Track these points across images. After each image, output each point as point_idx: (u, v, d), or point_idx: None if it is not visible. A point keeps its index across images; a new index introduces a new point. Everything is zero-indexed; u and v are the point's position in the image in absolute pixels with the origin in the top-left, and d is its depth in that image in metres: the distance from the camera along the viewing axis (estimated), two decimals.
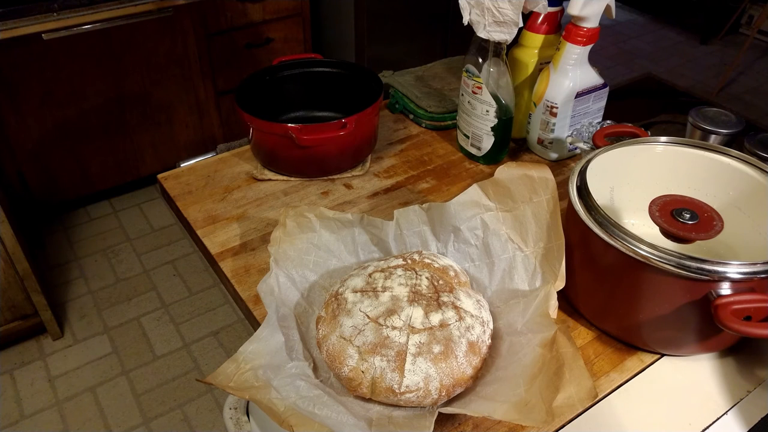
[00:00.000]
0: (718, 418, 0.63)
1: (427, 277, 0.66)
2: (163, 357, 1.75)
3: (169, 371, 1.71)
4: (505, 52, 0.88)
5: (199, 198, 0.91)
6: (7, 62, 1.73)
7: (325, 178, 0.96)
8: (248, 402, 0.82)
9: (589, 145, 0.90)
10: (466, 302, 0.65)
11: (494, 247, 0.74)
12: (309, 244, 0.74)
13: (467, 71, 0.91)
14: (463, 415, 0.62)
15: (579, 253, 0.68)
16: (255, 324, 0.72)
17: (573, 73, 0.90)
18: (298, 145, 0.88)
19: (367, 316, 0.62)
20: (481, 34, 0.85)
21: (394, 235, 0.77)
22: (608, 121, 0.95)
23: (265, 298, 0.67)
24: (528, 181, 0.74)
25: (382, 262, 0.70)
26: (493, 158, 0.98)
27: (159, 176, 0.96)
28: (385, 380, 0.59)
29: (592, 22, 0.86)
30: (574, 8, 0.84)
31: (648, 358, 0.69)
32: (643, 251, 0.60)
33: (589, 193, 0.66)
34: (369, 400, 0.62)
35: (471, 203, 0.76)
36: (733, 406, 0.64)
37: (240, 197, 0.92)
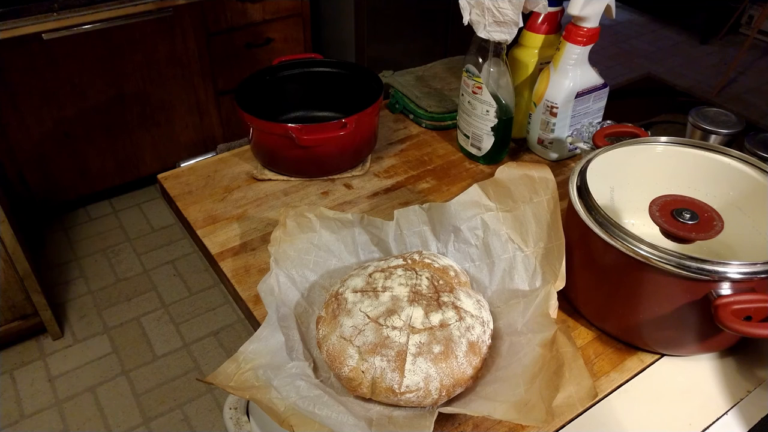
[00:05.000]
0: (718, 418, 0.63)
1: (427, 277, 0.66)
2: (163, 357, 1.75)
3: (169, 371, 1.72)
4: (505, 52, 0.88)
5: (199, 198, 0.91)
6: (7, 62, 1.73)
7: (325, 178, 0.96)
8: (248, 402, 0.82)
9: (589, 145, 0.90)
10: (467, 302, 0.65)
11: (494, 247, 0.74)
12: (309, 244, 0.74)
13: (467, 71, 0.91)
14: (463, 415, 0.62)
15: (579, 253, 0.68)
16: (255, 324, 0.72)
17: (573, 73, 0.90)
18: (298, 145, 0.88)
19: (368, 316, 0.62)
20: (481, 34, 0.85)
21: (394, 235, 0.77)
22: (608, 121, 0.95)
23: (265, 298, 0.67)
24: (528, 181, 0.74)
25: (383, 262, 0.70)
26: (493, 158, 0.98)
27: (159, 176, 0.96)
28: (386, 380, 0.59)
29: (592, 22, 0.86)
30: (574, 8, 0.84)
31: (648, 358, 0.69)
32: (643, 251, 0.60)
33: (589, 193, 0.66)
34: (369, 400, 0.62)
35: (471, 203, 0.76)
36: (733, 406, 0.64)
37: (240, 197, 0.92)
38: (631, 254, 0.61)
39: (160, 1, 1.84)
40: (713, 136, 0.89)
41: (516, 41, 0.94)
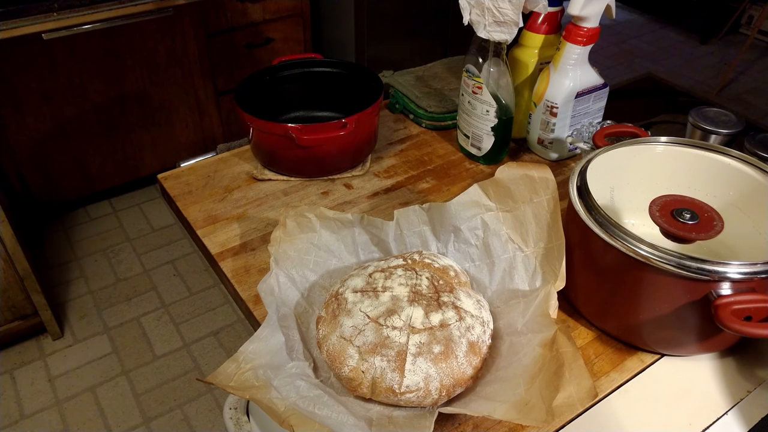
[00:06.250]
0: (718, 418, 0.63)
1: (427, 277, 0.66)
2: (163, 357, 1.75)
3: (169, 371, 1.72)
4: (505, 52, 0.88)
5: (199, 198, 0.91)
6: (7, 62, 1.73)
7: (325, 178, 0.96)
8: (248, 402, 0.82)
9: (589, 145, 0.90)
10: (467, 302, 0.65)
11: (494, 247, 0.74)
12: (309, 244, 0.74)
13: (467, 71, 0.91)
14: (463, 415, 0.62)
15: (579, 253, 0.68)
16: (255, 324, 0.72)
17: (573, 73, 0.90)
18: (298, 145, 0.88)
19: (368, 316, 0.62)
20: (482, 34, 0.85)
21: (394, 235, 0.77)
22: (608, 121, 0.95)
23: (266, 297, 0.67)
24: (528, 181, 0.74)
25: (383, 262, 0.70)
26: (493, 158, 0.98)
27: (159, 176, 0.96)
28: (386, 380, 0.59)
29: (592, 22, 0.86)
30: (574, 8, 0.84)
31: (648, 358, 0.69)
32: (644, 251, 0.60)
33: (590, 193, 0.66)
34: (369, 400, 0.62)
35: (471, 203, 0.76)
36: (733, 406, 0.64)
37: (240, 197, 0.92)
38: (631, 254, 0.61)
39: (160, 1, 1.84)
40: (713, 136, 0.89)
41: (516, 41, 0.94)
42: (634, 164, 0.76)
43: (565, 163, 0.99)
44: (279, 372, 0.61)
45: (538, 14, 0.93)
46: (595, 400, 0.64)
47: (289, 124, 0.87)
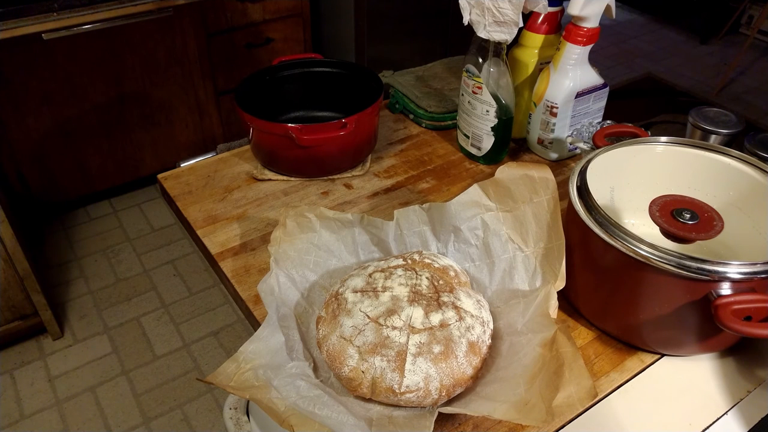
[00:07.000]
0: (718, 418, 0.63)
1: (427, 277, 0.66)
2: (163, 357, 1.75)
3: (169, 371, 1.72)
4: (505, 52, 0.88)
5: (199, 198, 0.91)
6: (7, 62, 1.73)
7: (325, 178, 0.96)
8: (248, 402, 0.82)
9: (589, 145, 0.90)
10: (467, 302, 0.65)
11: (494, 247, 0.74)
12: (309, 244, 0.74)
13: (467, 71, 0.91)
14: (463, 415, 0.62)
15: (579, 253, 0.68)
16: (255, 324, 0.72)
17: (573, 73, 0.90)
18: (298, 145, 0.88)
19: (368, 316, 0.62)
20: (482, 34, 0.85)
21: (394, 235, 0.77)
22: (608, 121, 0.95)
23: (266, 297, 0.67)
24: (528, 181, 0.74)
25: (383, 262, 0.70)
26: (493, 158, 0.98)
27: (159, 176, 0.96)
28: (386, 380, 0.59)
29: (592, 22, 0.86)
30: (574, 8, 0.84)
31: (648, 358, 0.69)
32: (644, 251, 0.60)
33: (590, 193, 0.66)
34: (369, 400, 0.62)
35: (471, 203, 0.76)
36: (733, 406, 0.64)
37: (240, 197, 0.92)
38: (631, 254, 0.61)
39: (160, 1, 1.84)
40: (713, 136, 0.89)
41: (516, 41, 0.94)
42: (634, 164, 0.76)
43: (565, 163, 0.99)
44: (279, 372, 0.61)
45: (538, 14, 0.93)
46: (595, 400, 0.64)
47: (289, 124, 0.87)
